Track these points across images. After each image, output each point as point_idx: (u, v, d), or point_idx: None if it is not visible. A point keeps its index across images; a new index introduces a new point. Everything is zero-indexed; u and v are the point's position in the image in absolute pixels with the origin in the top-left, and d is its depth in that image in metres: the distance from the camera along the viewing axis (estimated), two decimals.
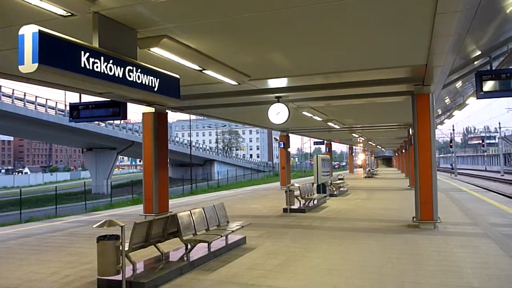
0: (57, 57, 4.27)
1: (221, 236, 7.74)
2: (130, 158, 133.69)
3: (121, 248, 5.42)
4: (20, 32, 4.08)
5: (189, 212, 7.62)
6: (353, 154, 57.56)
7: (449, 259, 7.15)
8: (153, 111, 12.72)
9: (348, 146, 53.43)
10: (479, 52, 9.58)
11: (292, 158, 57.83)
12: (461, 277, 6.09)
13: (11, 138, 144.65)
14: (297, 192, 14.62)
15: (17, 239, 10.34)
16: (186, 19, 5.73)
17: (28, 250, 8.86)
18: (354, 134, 29.82)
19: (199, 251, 7.45)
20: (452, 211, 13.12)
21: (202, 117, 25.71)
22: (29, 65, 4.06)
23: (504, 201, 16.19)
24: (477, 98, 8.33)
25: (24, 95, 37.26)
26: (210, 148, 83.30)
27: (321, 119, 17.57)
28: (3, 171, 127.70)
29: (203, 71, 7.69)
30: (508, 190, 31.67)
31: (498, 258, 7.16)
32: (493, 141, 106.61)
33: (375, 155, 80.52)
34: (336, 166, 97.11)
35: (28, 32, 4.05)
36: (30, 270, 7.11)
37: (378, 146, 56.61)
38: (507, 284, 5.75)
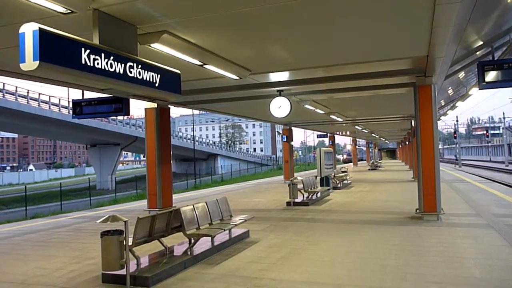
0: (58, 55, 4.30)
1: (224, 230, 7.79)
2: (134, 154, 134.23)
3: (124, 243, 5.48)
4: (21, 30, 4.11)
5: (192, 206, 7.66)
6: (356, 146, 57.41)
7: (452, 250, 7.17)
8: (156, 106, 12.74)
9: (351, 138, 53.34)
10: (481, 42, 9.54)
11: (295, 152, 57.78)
12: (463, 267, 6.12)
13: (16, 135, 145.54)
14: (300, 186, 14.64)
15: (23, 235, 10.43)
16: (186, 15, 5.74)
17: (33, 246, 8.95)
18: (357, 127, 29.79)
19: (203, 245, 7.51)
20: (455, 203, 13.12)
21: (205, 112, 25.74)
22: (30, 63, 4.09)
23: (508, 191, 16.15)
24: (479, 89, 8.31)
25: (28, 92, 37.32)
26: (214, 143, 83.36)
27: (323, 112, 17.55)
28: (8, 168, 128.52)
29: (204, 66, 7.69)
30: None
31: (500, 248, 7.18)
32: (497, 132, 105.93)
33: (379, 147, 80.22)
34: (345, 157, 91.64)
35: (29, 30, 4.08)
36: (36, 265, 7.18)
37: (381, 138, 56.50)
38: (509, 274, 5.76)
